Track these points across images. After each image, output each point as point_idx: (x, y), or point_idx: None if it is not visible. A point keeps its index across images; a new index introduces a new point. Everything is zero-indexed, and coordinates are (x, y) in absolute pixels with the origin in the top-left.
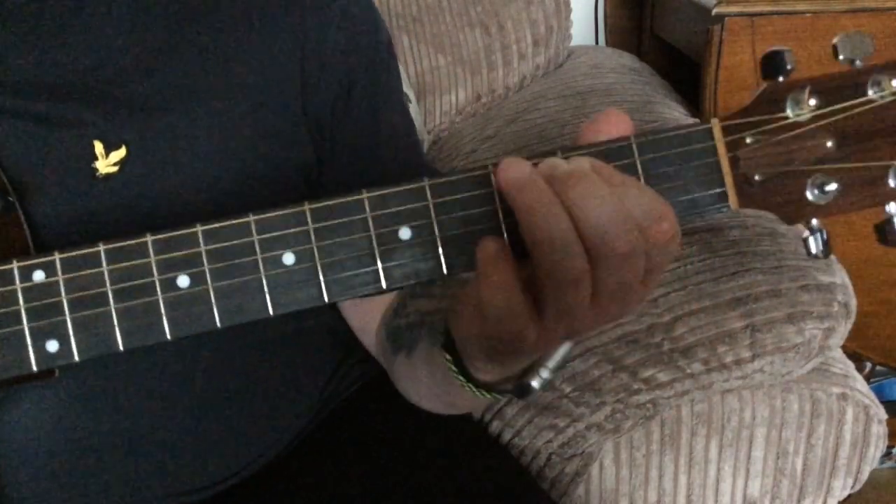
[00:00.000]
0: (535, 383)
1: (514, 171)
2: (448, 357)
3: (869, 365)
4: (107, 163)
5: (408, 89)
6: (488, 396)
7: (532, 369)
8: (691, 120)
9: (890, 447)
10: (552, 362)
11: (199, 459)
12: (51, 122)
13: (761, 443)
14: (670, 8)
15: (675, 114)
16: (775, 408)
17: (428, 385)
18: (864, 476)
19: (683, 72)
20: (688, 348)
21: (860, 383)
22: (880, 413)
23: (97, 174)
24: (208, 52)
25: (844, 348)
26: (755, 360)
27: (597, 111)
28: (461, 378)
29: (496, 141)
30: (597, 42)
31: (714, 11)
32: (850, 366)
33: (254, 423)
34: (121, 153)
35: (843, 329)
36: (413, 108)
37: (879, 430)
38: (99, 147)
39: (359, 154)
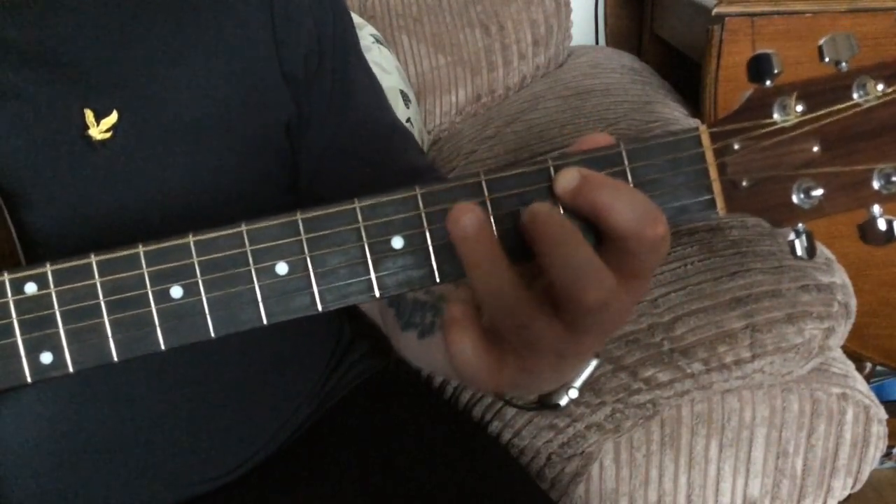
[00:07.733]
0: (562, 402)
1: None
2: None
3: (869, 365)
4: (99, 129)
5: (408, 89)
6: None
7: (560, 387)
8: (688, 122)
9: (890, 447)
10: (579, 381)
11: (199, 454)
12: (36, 95)
13: (761, 443)
14: (670, 8)
15: (676, 114)
16: (775, 408)
17: (443, 369)
18: (864, 476)
19: (683, 72)
20: (688, 348)
21: (860, 383)
22: (880, 413)
23: (92, 141)
24: (182, 15)
25: (844, 348)
26: (755, 360)
27: (597, 111)
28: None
29: (496, 141)
30: (597, 42)
31: (714, 11)
32: (850, 366)
33: (254, 418)
34: (112, 119)
35: (843, 329)
36: (413, 108)
37: (879, 430)
38: (89, 115)
39: (336, 106)
